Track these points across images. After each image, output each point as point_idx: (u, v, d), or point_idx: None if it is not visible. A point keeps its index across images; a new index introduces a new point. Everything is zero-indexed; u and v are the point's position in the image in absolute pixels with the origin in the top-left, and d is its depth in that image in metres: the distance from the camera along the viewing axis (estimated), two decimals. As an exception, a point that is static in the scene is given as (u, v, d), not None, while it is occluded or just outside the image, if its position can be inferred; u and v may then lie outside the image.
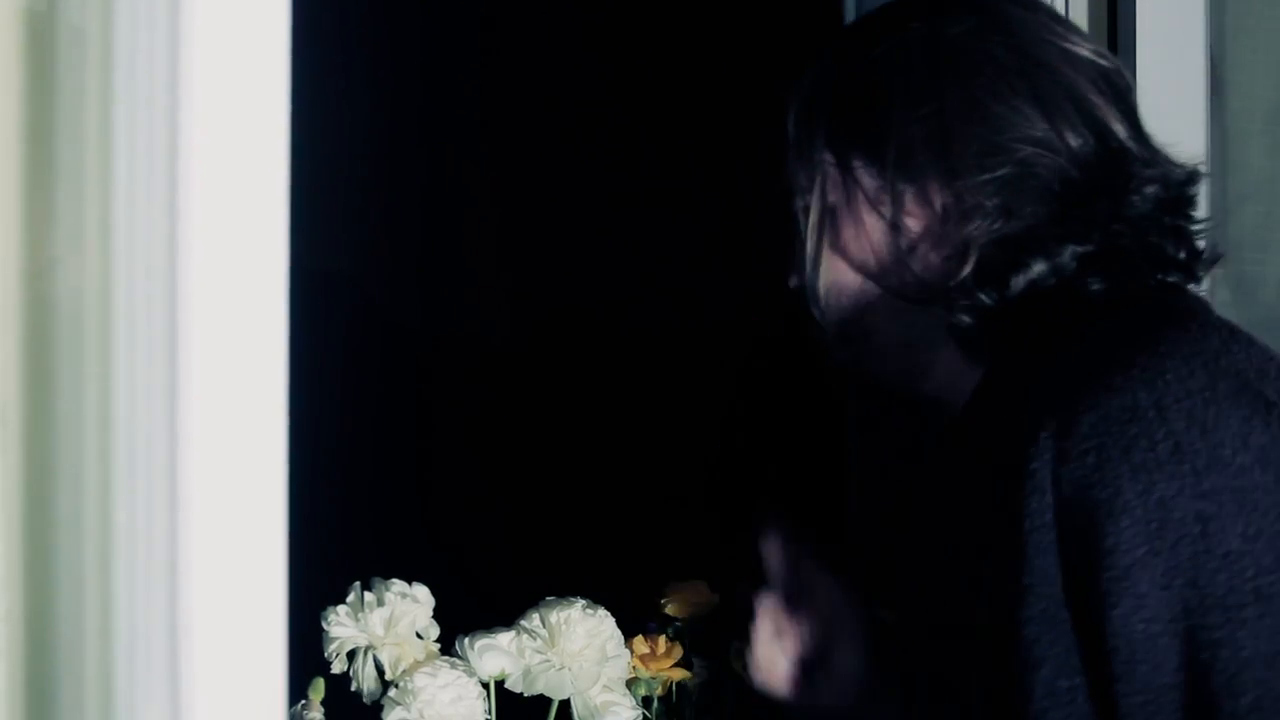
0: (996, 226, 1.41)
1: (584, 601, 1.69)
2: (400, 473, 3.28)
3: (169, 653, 0.98)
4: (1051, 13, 1.50)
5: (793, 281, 1.53)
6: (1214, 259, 1.46)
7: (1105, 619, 1.28)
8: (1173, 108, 1.81)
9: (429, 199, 3.41)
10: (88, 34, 1.01)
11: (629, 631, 1.74)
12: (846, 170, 1.46)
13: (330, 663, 1.67)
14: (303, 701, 1.67)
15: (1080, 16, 1.94)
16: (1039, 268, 1.41)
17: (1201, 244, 1.45)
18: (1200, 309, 1.42)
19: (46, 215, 1.02)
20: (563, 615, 1.67)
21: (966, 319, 1.43)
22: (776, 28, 3.18)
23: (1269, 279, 1.96)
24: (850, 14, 2.28)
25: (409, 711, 1.61)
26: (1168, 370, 1.29)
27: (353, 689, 1.67)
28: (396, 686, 1.63)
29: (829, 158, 1.47)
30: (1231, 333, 1.35)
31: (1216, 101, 1.98)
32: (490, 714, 1.65)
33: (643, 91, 3.29)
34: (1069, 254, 1.40)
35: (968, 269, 1.42)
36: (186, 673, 0.98)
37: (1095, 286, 1.40)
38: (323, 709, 1.67)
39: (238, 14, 0.98)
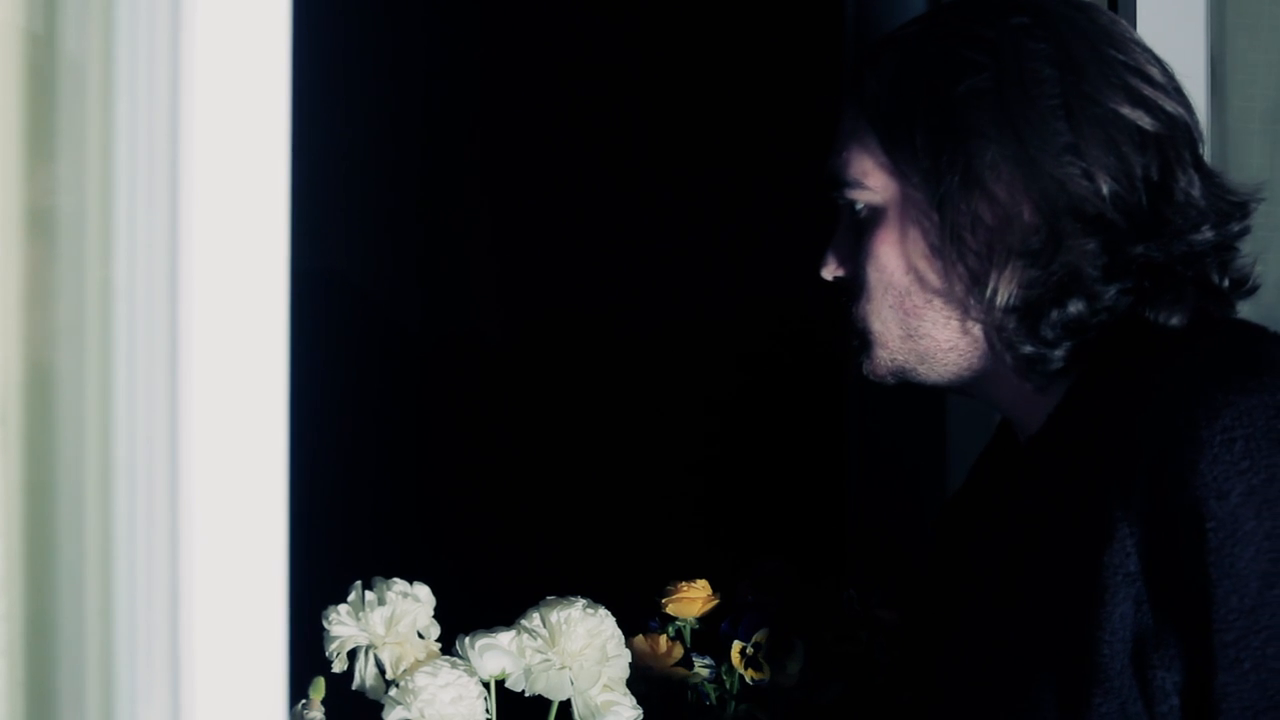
0: (1041, 255, 1.41)
1: (584, 601, 1.69)
2: (400, 472, 3.28)
3: (169, 653, 0.98)
4: (1124, 44, 1.46)
5: (828, 274, 1.52)
6: (1253, 289, 1.47)
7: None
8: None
9: (428, 199, 3.41)
10: (90, 32, 1.01)
11: (629, 631, 1.74)
12: (908, 170, 1.45)
13: (331, 662, 1.67)
14: (303, 701, 1.67)
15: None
16: (1076, 306, 1.41)
17: (1244, 273, 1.46)
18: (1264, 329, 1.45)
19: (48, 215, 1.02)
20: (563, 615, 1.67)
21: (1023, 345, 1.44)
22: (776, 26, 3.18)
23: (1269, 279, 1.96)
24: (850, 14, 2.28)
25: (410, 711, 1.61)
26: None
27: (353, 688, 1.67)
28: (397, 686, 1.63)
29: (885, 158, 1.46)
30: None
31: (1216, 101, 1.98)
32: (490, 714, 1.65)
33: (641, 91, 3.29)
34: (1113, 292, 1.41)
35: (1009, 294, 1.42)
36: (187, 673, 0.98)
37: (1154, 317, 1.41)
38: (323, 708, 1.67)
39: (240, 11, 0.98)
